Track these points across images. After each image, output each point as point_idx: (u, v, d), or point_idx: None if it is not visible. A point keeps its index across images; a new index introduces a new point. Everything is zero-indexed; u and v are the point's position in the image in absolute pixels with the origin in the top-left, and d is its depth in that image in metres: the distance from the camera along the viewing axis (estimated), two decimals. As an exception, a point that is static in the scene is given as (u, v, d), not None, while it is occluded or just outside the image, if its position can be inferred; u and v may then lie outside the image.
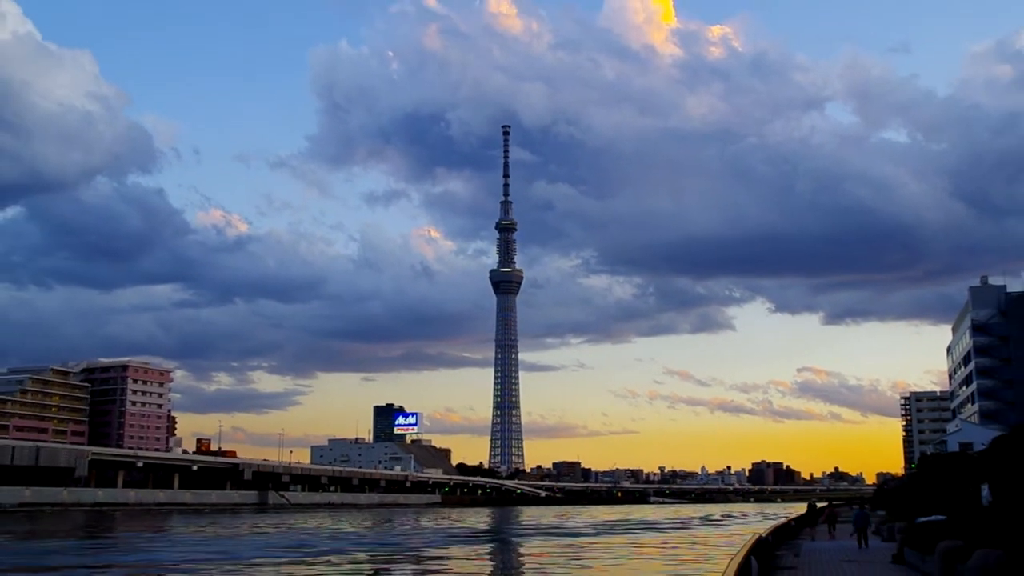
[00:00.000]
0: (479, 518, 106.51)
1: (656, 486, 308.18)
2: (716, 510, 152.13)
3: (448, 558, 42.09)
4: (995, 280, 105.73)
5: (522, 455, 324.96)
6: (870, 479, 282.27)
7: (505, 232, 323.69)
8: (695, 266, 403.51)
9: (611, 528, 74.23)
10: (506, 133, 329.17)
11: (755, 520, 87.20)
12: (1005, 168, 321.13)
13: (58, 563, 36.42)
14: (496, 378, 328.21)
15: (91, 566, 35.55)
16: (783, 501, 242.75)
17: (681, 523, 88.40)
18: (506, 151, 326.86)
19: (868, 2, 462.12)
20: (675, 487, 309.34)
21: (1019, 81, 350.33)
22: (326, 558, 40.11)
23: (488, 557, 44.54)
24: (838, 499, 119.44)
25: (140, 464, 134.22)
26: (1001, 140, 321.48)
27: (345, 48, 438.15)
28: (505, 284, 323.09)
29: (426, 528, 77.11)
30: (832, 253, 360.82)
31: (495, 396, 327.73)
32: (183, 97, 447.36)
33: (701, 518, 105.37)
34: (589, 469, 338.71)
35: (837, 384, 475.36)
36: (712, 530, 74.65)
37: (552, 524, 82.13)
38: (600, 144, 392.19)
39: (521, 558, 43.77)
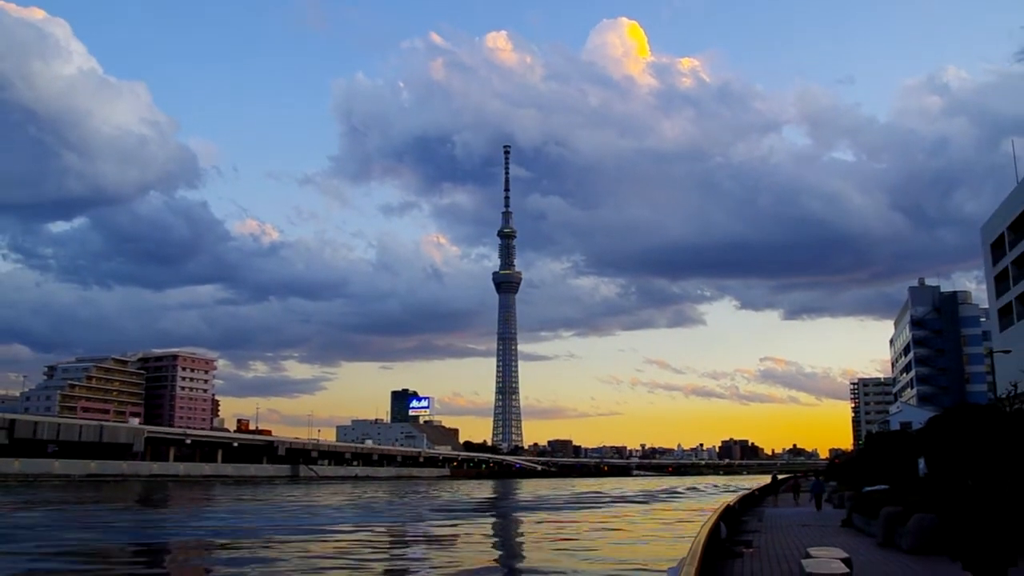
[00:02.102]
0: (490, 489, 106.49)
1: (638, 460, 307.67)
2: (691, 482, 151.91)
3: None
4: (931, 281, 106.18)
5: (521, 434, 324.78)
6: (824, 454, 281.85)
7: (506, 239, 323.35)
8: (671, 269, 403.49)
9: (608, 500, 74.01)
10: (507, 152, 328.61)
11: (724, 491, 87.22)
12: (938, 185, 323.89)
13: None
14: (498, 366, 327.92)
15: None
16: (748, 474, 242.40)
17: (662, 494, 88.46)
18: (507, 168, 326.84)
19: (817, 40, 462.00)
20: (654, 462, 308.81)
21: (947, 111, 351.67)
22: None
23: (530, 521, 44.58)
24: (797, 471, 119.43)
25: (188, 441, 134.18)
26: (934, 161, 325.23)
27: (362, 79, 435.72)
28: (506, 284, 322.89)
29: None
30: (790, 258, 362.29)
31: (497, 382, 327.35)
32: (223, 122, 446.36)
33: (677, 489, 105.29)
34: (579, 446, 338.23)
35: (795, 372, 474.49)
36: (687, 500, 74.73)
37: (556, 496, 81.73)
38: (586, 162, 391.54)
39: (546, 522, 43.81)
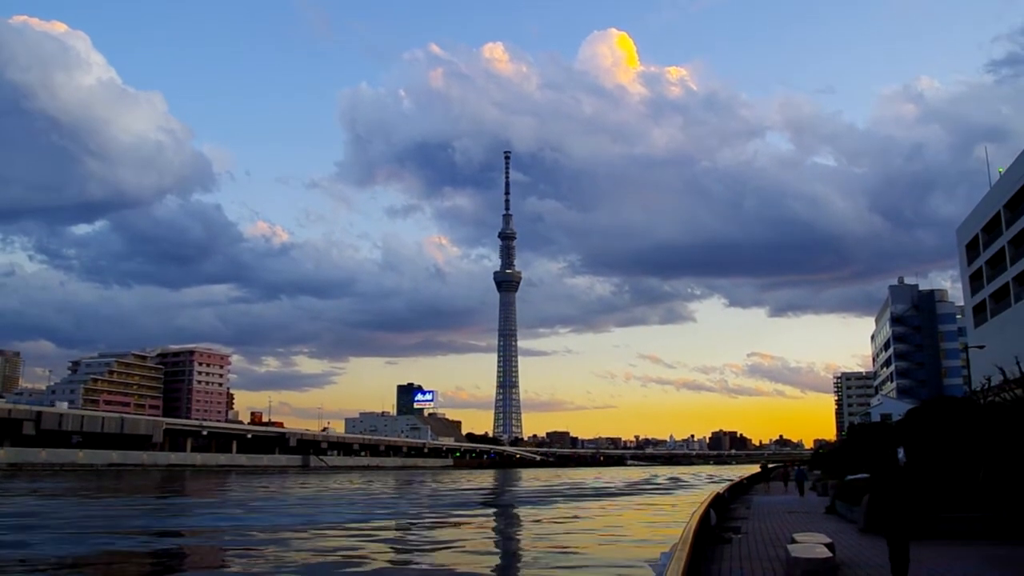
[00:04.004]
0: (492, 478, 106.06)
1: (632, 451, 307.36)
2: (683, 471, 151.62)
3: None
4: (909, 280, 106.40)
5: (520, 426, 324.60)
6: (808, 444, 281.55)
7: (507, 240, 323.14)
8: (662, 268, 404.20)
9: (607, 491, 73.80)
10: (507, 158, 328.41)
11: (711, 481, 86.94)
12: (914, 189, 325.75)
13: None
14: (498, 361, 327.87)
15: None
16: (737, 463, 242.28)
17: (656, 484, 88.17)
18: (507, 173, 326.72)
19: (799, 52, 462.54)
20: (648, 452, 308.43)
21: (922, 118, 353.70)
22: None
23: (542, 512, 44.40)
24: (785, 461, 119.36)
25: (205, 432, 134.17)
26: (910, 166, 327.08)
27: (365, 89, 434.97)
28: (506, 283, 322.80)
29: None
30: (775, 258, 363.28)
31: (498, 376, 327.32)
32: (236, 130, 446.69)
33: (656, 479, 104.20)
34: (576, 437, 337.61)
35: (781, 366, 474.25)
36: (680, 490, 74.63)
37: (558, 486, 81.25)
38: (580, 167, 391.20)
39: (545, 513, 43.71)
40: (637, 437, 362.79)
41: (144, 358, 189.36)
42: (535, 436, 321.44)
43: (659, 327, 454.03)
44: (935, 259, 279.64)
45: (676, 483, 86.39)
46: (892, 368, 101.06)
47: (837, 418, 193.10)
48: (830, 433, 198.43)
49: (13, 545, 22.45)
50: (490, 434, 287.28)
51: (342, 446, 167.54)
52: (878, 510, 10.57)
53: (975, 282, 62.81)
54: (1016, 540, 15.15)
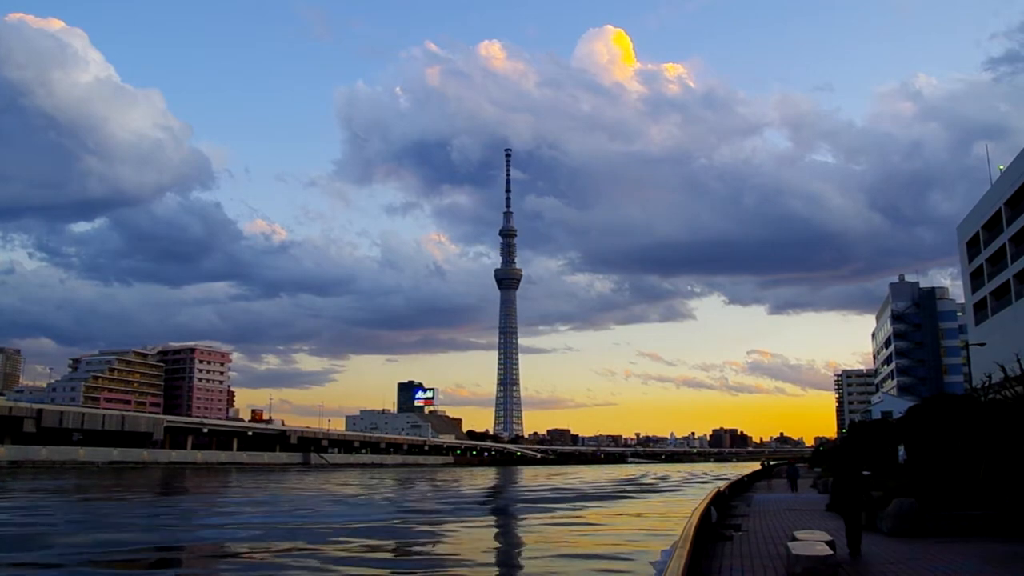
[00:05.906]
0: (494, 475, 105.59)
1: (633, 449, 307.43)
2: (680, 468, 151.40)
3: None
4: (910, 278, 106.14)
5: (521, 423, 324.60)
6: (809, 442, 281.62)
7: (507, 237, 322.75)
8: (662, 266, 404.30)
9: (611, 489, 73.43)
10: (508, 155, 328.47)
11: (715, 479, 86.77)
12: (913, 186, 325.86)
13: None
14: (499, 359, 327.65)
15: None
16: (738, 461, 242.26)
17: (658, 481, 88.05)
18: (508, 170, 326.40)
19: (797, 49, 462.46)
20: (649, 450, 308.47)
21: (920, 116, 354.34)
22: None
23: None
24: (784, 459, 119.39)
25: (205, 430, 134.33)
26: (909, 163, 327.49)
27: (362, 87, 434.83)
28: (507, 281, 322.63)
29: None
30: (775, 255, 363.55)
31: (498, 374, 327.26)
32: (234, 128, 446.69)
33: (641, 480, 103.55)
34: (577, 435, 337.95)
35: (781, 364, 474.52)
36: (681, 488, 74.52)
37: (561, 487, 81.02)
38: (578, 165, 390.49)
39: (551, 514, 43.60)
40: (638, 435, 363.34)
41: (145, 356, 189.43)
42: (536, 434, 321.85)
43: (659, 324, 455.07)
44: (935, 256, 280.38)
45: (641, 489, 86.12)
46: (893, 365, 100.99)
47: (838, 415, 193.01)
48: (831, 431, 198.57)
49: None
50: (491, 431, 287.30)
51: (343, 443, 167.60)
52: (836, 496, 14.91)
53: (976, 279, 62.77)
54: (1017, 538, 15.15)
